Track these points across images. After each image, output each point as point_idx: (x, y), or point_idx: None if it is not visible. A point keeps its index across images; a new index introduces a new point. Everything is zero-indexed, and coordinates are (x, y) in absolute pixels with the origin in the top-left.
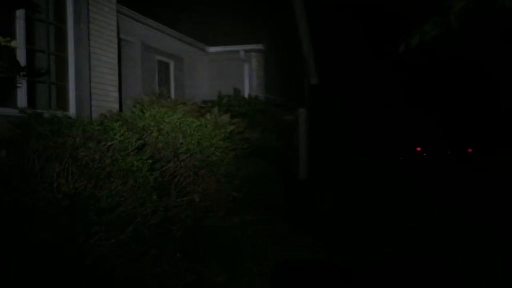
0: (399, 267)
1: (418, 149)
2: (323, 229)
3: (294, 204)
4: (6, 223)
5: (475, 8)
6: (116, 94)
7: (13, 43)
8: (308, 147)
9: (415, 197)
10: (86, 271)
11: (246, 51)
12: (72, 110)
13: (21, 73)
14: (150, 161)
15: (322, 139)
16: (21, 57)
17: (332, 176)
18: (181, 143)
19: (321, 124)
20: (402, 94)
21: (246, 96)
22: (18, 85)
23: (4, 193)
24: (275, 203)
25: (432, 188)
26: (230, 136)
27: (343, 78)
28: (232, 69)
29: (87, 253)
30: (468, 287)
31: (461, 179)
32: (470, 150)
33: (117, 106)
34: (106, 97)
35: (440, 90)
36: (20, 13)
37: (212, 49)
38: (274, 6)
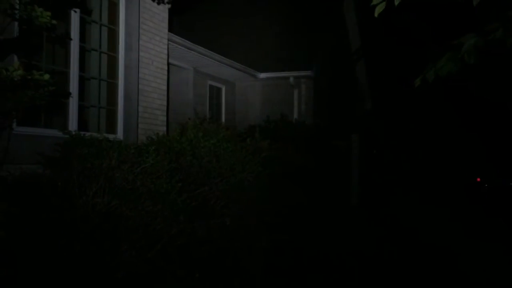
0: None
1: (478, 179)
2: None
3: (333, 231)
4: (45, 236)
5: (485, 46)
6: (164, 118)
7: (45, 77)
8: (361, 174)
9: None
10: (115, 285)
11: (295, 77)
12: (119, 133)
13: (68, 98)
14: (180, 184)
15: (376, 165)
16: (74, 83)
17: (384, 205)
18: (214, 168)
19: (375, 150)
20: (461, 119)
21: (294, 121)
22: (69, 108)
23: (45, 209)
24: (311, 229)
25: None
26: (267, 160)
27: (399, 102)
28: (282, 95)
29: (117, 269)
30: None
31: None
32: None
33: (164, 129)
34: (154, 121)
35: (502, 115)
36: (74, 42)
37: (263, 75)
38: (326, 32)
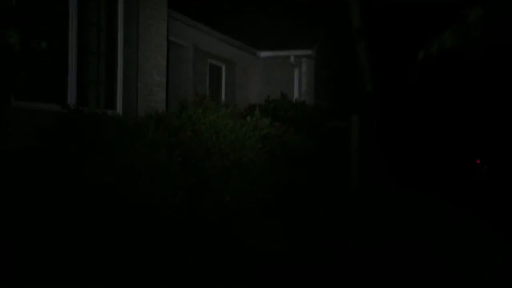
0: None
1: (478, 161)
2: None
3: (331, 211)
4: (41, 209)
5: (492, 19)
6: (163, 95)
7: (43, 45)
8: (361, 155)
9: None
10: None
11: (296, 56)
12: (119, 109)
13: (67, 72)
14: (179, 159)
15: (377, 147)
16: (72, 58)
17: (384, 187)
18: (214, 144)
19: (376, 132)
20: (463, 100)
21: (295, 101)
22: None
23: (42, 183)
24: (309, 208)
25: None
26: (266, 139)
27: (400, 84)
28: (282, 74)
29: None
30: None
31: None
32: None
33: (164, 106)
34: (153, 98)
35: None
36: (72, 17)
37: (263, 54)
38: (327, 11)
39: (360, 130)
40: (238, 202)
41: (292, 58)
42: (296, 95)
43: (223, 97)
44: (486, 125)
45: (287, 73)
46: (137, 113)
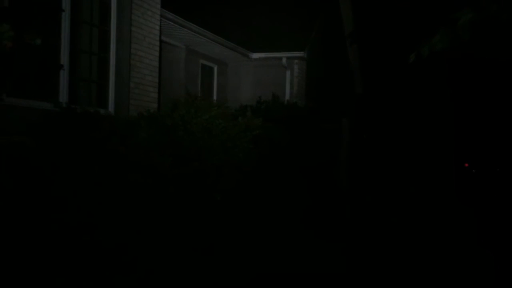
0: None
1: (466, 165)
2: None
3: (320, 208)
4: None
5: (481, 21)
6: (155, 95)
7: (37, 41)
8: (350, 157)
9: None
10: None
11: (288, 58)
12: (111, 108)
13: (60, 70)
14: (170, 158)
15: (366, 150)
16: (65, 56)
17: (372, 188)
18: (206, 143)
19: (366, 135)
20: (451, 103)
21: (286, 102)
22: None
23: (33, 180)
24: (299, 206)
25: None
26: (258, 139)
27: (390, 87)
28: (274, 75)
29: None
30: None
31: None
32: None
33: (155, 106)
34: (145, 97)
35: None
36: (65, 15)
37: (255, 55)
38: (319, 13)
39: (350, 132)
40: (230, 200)
41: (284, 60)
42: (287, 96)
43: (214, 97)
44: (477, 127)
45: (278, 74)
46: (129, 113)
